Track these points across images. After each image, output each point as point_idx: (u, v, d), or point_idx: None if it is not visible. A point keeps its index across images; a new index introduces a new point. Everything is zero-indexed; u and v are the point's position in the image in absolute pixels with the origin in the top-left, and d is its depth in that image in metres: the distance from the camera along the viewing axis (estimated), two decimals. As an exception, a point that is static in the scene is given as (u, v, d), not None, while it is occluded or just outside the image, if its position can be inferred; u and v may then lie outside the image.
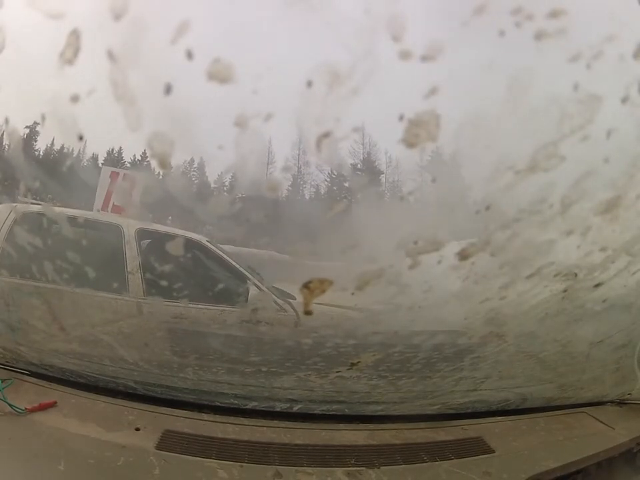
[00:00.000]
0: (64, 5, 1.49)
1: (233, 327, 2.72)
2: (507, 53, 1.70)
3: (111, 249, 2.89)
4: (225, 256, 3.16)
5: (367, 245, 1.90)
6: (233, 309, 2.68)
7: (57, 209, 2.09)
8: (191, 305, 2.44)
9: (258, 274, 3.15)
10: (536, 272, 2.00)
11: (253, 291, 2.99)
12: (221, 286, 2.93)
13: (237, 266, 3.12)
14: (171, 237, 2.70)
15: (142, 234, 2.96)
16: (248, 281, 3.07)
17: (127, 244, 2.92)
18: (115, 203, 2.92)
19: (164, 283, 2.14)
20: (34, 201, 2.22)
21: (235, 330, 2.73)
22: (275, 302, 2.73)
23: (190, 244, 2.93)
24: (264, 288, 2.99)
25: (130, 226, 2.94)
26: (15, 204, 2.39)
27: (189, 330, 2.83)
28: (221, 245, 3.18)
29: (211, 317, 2.68)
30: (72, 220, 2.14)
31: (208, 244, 3.08)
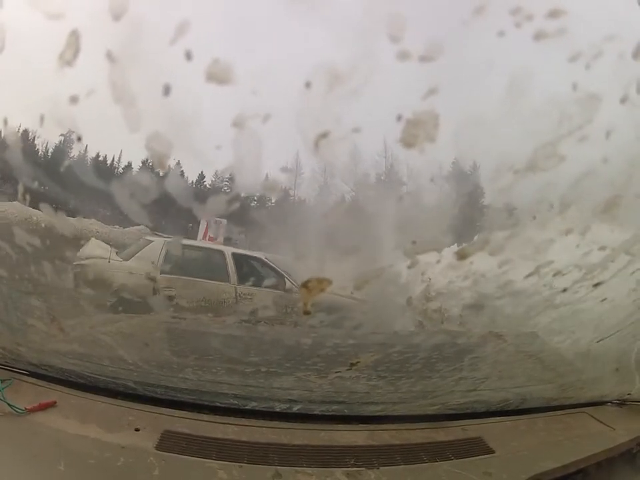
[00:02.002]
0: (63, 5, 1.49)
1: (233, 327, 2.80)
2: (506, 53, 1.71)
3: (221, 262, 5.22)
4: (270, 262, 5.52)
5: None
6: (276, 292, 4.52)
7: (187, 241, 3.61)
8: (255, 288, 5.08)
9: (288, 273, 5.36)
10: (535, 271, 2.00)
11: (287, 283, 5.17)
12: (271, 279, 5.62)
13: (277, 268, 5.42)
14: (248, 255, 5.40)
15: (234, 255, 5.35)
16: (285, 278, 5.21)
17: (228, 261, 5.34)
18: (210, 236, 5.77)
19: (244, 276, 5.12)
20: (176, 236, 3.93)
21: (235, 330, 2.75)
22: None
23: (256, 258, 5.46)
24: (292, 280, 5.05)
25: (228, 250, 5.40)
26: (166, 238, 4.29)
27: (189, 330, 2.85)
28: (266, 254, 5.51)
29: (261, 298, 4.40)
30: (195, 247, 4.87)
31: (262, 257, 5.41)
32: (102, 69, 1.43)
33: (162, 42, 1.44)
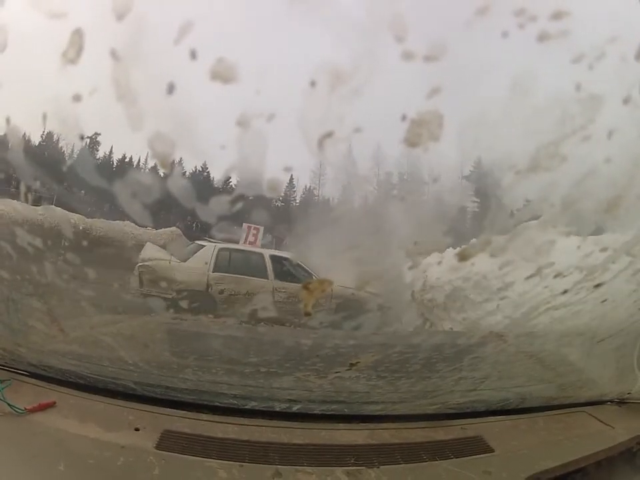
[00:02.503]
0: (66, 4, 1.48)
1: (233, 327, 2.81)
2: (509, 53, 1.71)
3: (262, 262, 5.86)
4: (294, 260, 5.99)
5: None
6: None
7: (232, 245, 5.54)
8: (288, 283, 5.66)
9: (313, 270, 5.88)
10: (536, 272, 2.00)
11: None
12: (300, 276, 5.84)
13: (303, 265, 5.89)
14: (281, 256, 6.01)
15: (272, 256, 6.01)
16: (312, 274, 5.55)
17: (267, 261, 5.97)
18: (249, 241, 6.33)
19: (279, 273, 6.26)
20: (221, 241, 5.22)
21: (235, 331, 2.75)
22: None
23: (287, 258, 5.99)
24: (316, 276, 5.01)
25: (266, 253, 6.03)
26: (215, 243, 5.42)
27: (190, 330, 2.85)
28: (291, 254, 6.13)
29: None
30: (240, 250, 6.00)
31: (290, 257, 5.96)
32: (105, 67, 1.42)
33: (166, 41, 1.43)
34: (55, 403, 1.76)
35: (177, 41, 1.40)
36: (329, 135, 1.44)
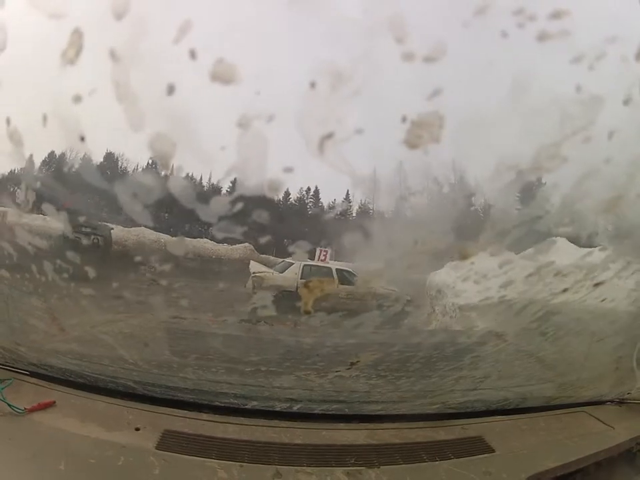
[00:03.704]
0: (66, 4, 1.48)
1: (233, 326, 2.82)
2: (509, 54, 1.70)
3: (330, 273, 7.02)
4: (351, 269, 7.26)
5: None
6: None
7: (311, 262, 7.47)
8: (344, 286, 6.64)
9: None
10: (536, 271, 2.00)
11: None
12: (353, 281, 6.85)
13: (350, 270, 7.20)
14: (343, 269, 7.12)
15: (337, 269, 7.24)
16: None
17: (334, 272, 7.13)
18: (320, 259, 7.64)
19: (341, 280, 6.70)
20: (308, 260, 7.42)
21: (235, 330, 2.75)
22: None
23: (346, 270, 7.19)
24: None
25: (334, 266, 7.34)
26: (302, 262, 7.54)
27: (190, 330, 2.85)
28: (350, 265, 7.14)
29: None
30: (316, 265, 7.54)
31: (348, 268, 7.22)
32: (105, 68, 1.42)
33: (165, 41, 1.43)
34: (54, 402, 1.76)
35: (176, 41, 1.40)
36: (329, 135, 1.44)
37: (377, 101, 1.78)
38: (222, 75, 1.39)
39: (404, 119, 1.47)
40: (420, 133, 1.43)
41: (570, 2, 1.52)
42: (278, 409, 1.97)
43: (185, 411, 1.87)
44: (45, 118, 1.63)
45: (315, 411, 2.00)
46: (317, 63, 1.45)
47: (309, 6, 1.55)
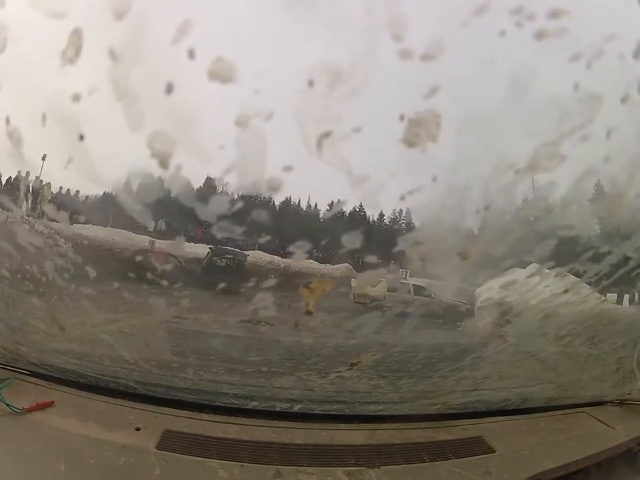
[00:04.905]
0: (66, 4, 1.48)
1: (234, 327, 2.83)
2: (507, 52, 1.70)
3: (408, 287, 7.37)
4: (423, 284, 7.70)
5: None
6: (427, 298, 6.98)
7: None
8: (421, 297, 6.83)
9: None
10: (536, 272, 2.00)
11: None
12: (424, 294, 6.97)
13: (423, 285, 7.64)
14: (416, 284, 7.40)
15: (413, 284, 7.43)
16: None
17: (411, 287, 7.33)
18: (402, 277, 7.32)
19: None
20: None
21: (236, 330, 2.75)
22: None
23: (419, 285, 7.55)
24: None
25: (410, 282, 7.35)
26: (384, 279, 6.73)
27: (191, 330, 2.86)
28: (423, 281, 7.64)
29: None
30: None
31: (420, 284, 7.64)
32: (104, 67, 1.43)
33: (164, 40, 1.43)
34: (53, 402, 1.76)
35: (175, 41, 1.40)
36: (327, 134, 1.45)
37: (375, 99, 1.78)
38: (221, 74, 1.39)
39: (402, 118, 1.48)
40: (418, 131, 1.43)
41: (568, 1, 1.53)
42: (279, 409, 1.97)
43: (186, 411, 1.87)
44: (44, 117, 1.64)
45: (316, 411, 2.00)
46: (315, 61, 1.46)
47: (306, 5, 1.55)
